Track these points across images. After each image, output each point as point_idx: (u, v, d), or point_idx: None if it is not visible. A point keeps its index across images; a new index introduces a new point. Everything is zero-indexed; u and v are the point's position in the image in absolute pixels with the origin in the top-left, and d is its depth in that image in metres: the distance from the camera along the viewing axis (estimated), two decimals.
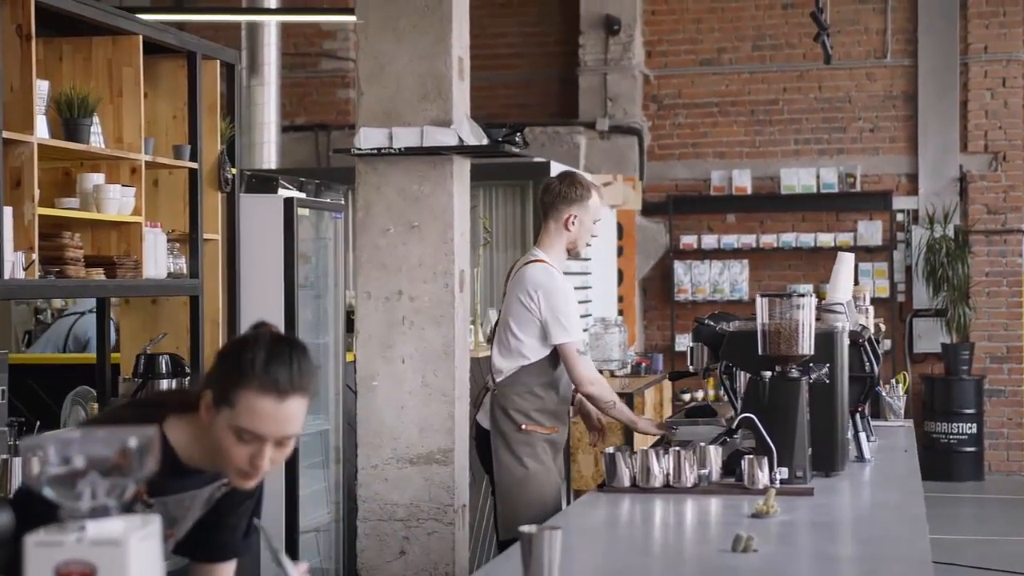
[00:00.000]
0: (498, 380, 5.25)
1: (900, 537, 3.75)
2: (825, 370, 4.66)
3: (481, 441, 5.35)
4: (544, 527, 2.84)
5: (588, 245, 5.38)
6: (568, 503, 6.01)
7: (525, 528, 2.83)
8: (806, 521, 3.94)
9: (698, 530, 4.01)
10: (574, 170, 6.04)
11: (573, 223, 5.24)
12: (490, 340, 8.53)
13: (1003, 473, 12.63)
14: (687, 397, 11.74)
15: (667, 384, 11.23)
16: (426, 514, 5.69)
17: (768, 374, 4.54)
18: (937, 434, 12.35)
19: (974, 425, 12.32)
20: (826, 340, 4.71)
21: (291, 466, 6.30)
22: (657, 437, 5.34)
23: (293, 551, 6.32)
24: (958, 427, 12.30)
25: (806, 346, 4.53)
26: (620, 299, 12.39)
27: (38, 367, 6.90)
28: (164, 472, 2.71)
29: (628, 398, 9.30)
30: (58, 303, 9.22)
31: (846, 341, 4.86)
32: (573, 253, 5.33)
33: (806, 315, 4.52)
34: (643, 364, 11.10)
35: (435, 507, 5.69)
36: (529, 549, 2.81)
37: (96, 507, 1.84)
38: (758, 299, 4.59)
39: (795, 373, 4.54)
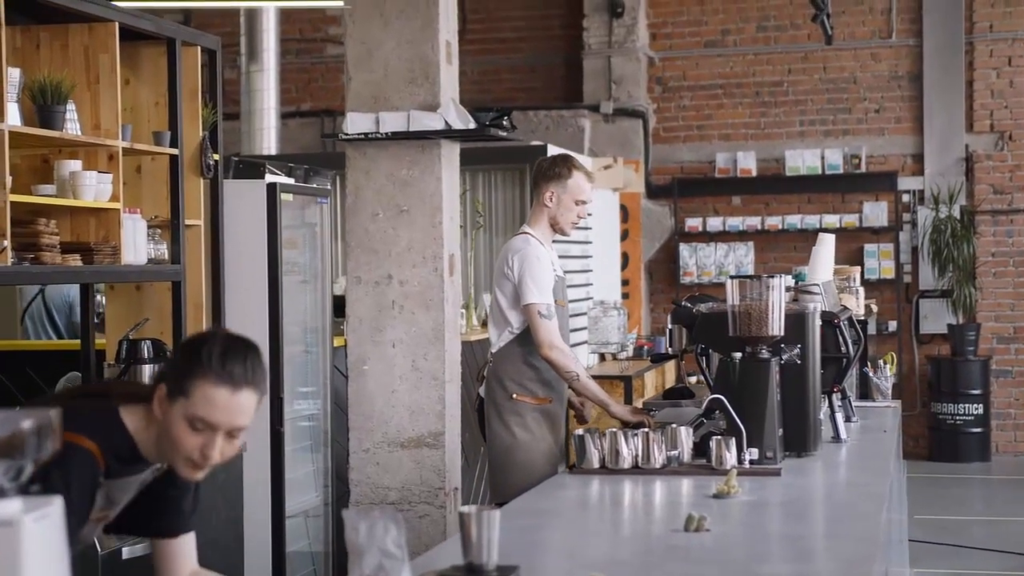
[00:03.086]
0: (493, 352, 5.34)
1: (855, 516, 3.74)
2: (796, 351, 4.66)
3: (481, 411, 5.43)
4: (483, 507, 2.86)
5: (575, 224, 5.43)
6: None
7: (464, 508, 2.86)
8: (767, 501, 3.94)
9: (658, 511, 4.02)
10: (569, 153, 6.08)
11: (552, 199, 5.34)
12: (484, 323, 8.59)
13: (1010, 454, 12.59)
14: (694, 379, 11.68)
15: (671, 366, 11.20)
16: (417, 497, 5.72)
17: (738, 355, 4.55)
18: (944, 415, 12.32)
19: (981, 406, 12.28)
20: (798, 321, 4.72)
21: (276, 451, 6.34)
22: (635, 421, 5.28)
23: (279, 535, 6.35)
24: (964, 408, 12.26)
25: (776, 327, 4.53)
26: (625, 282, 12.37)
27: (36, 354, 6.94)
28: (122, 458, 2.80)
29: (627, 381, 9.30)
30: None
31: (818, 322, 4.85)
32: (558, 230, 5.39)
33: (776, 296, 4.53)
34: (645, 347, 11.08)
35: (426, 490, 5.71)
36: (467, 528, 2.84)
37: None
38: (728, 281, 4.59)
39: (765, 354, 4.54)
